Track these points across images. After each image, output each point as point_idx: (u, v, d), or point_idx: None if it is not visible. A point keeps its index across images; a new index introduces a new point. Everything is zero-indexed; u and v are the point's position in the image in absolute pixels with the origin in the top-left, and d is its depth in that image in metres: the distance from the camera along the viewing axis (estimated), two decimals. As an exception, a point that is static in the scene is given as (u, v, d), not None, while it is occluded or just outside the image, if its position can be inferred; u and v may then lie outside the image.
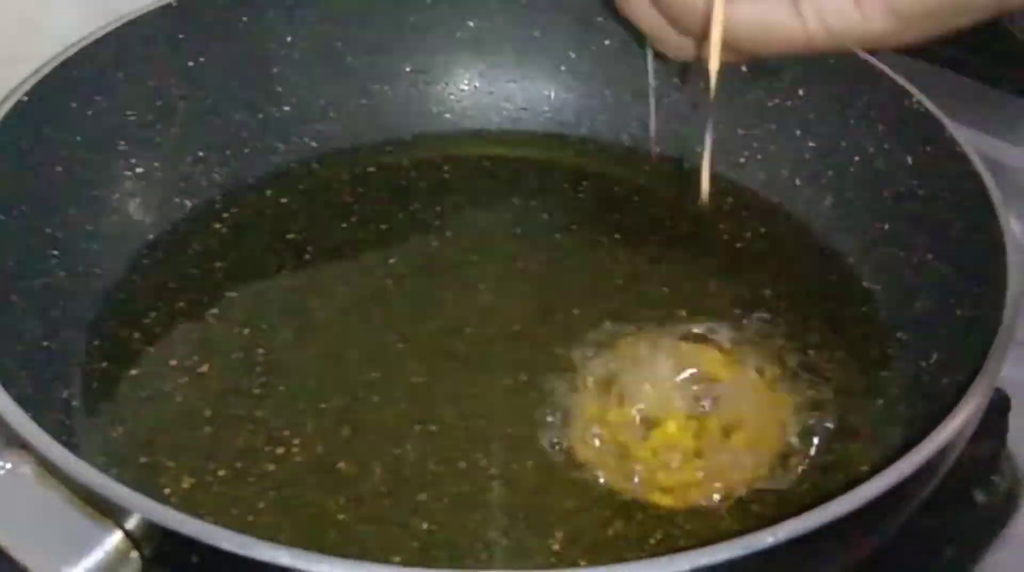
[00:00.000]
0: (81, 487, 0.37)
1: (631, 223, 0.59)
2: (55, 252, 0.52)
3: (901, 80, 0.55)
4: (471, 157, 0.63)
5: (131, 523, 0.36)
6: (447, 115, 0.65)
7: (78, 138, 0.54)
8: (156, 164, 0.58)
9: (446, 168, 0.62)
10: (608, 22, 0.62)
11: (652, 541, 0.44)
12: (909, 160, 0.54)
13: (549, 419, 0.48)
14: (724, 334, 0.51)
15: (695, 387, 0.48)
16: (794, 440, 0.47)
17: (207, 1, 0.58)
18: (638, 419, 0.47)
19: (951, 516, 0.49)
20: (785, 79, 0.59)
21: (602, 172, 0.63)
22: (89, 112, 0.55)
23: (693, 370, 0.49)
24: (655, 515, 0.45)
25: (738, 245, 0.58)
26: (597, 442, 0.47)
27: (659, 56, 0.45)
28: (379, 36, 0.63)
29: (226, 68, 0.60)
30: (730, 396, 0.48)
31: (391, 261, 0.56)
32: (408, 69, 0.64)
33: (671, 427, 0.47)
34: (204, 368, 0.50)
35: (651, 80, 0.56)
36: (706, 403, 0.48)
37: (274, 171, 0.61)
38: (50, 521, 0.37)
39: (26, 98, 0.51)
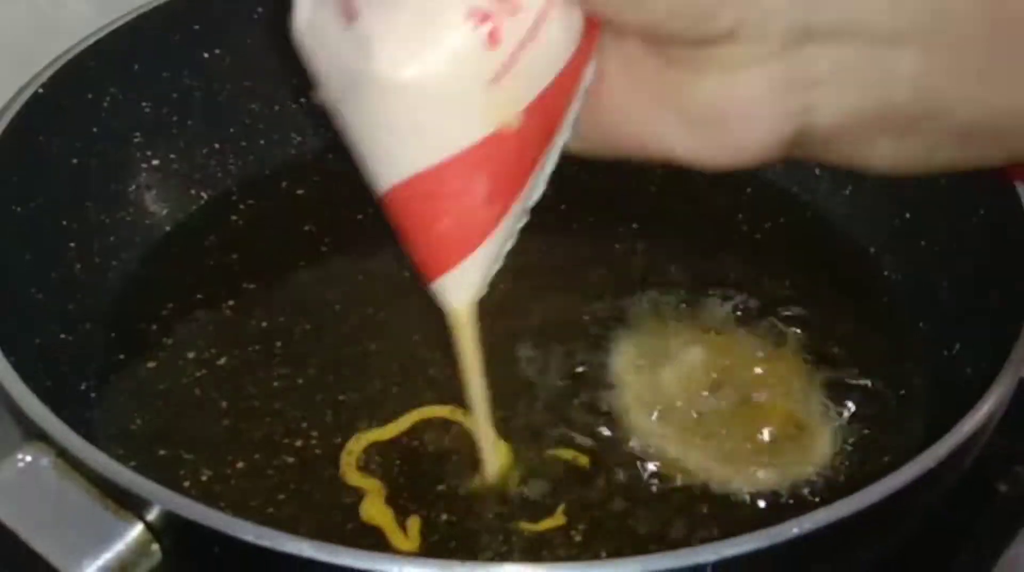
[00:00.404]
0: (102, 479, 0.37)
1: (649, 214, 0.58)
2: (72, 245, 0.52)
3: (922, 68, 0.54)
4: (487, 148, 0.63)
5: (152, 515, 0.36)
6: (463, 105, 0.64)
7: (94, 130, 0.54)
8: (172, 156, 0.58)
9: (462, 159, 0.62)
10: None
11: (673, 532, 0.44)
12: (930, 148, 0.53)
13: (569, 411, 0.48)
14: (745, 325, 0.51)
15: (715, 379, 0.48)
16: (816, 431, 0.47)
17: (222, -8, 0.58)
18: (660, 410, 0.47)
19: (974, 508, 0.48)
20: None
21: (619, 163, 0.62)
22: (104, 104, 0.55)
23: (714, 361, 0.49)
24: (677, 506, 0.44)
25: (757, 236, 0.57)
26: (618, 433, 0.47)
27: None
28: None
29: (241, 59, 0.59)
30: (751, 388, 0.48)
31: (408, 253, 0.56)
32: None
33: (693, 418, 0.47)
34: (222, 360, 0.50)
35: None
36: (726, 395, 0.48)
37: (290, 163, 0.61)
38: (71, 514, 0.37)
39: (42, 91, 0.51)
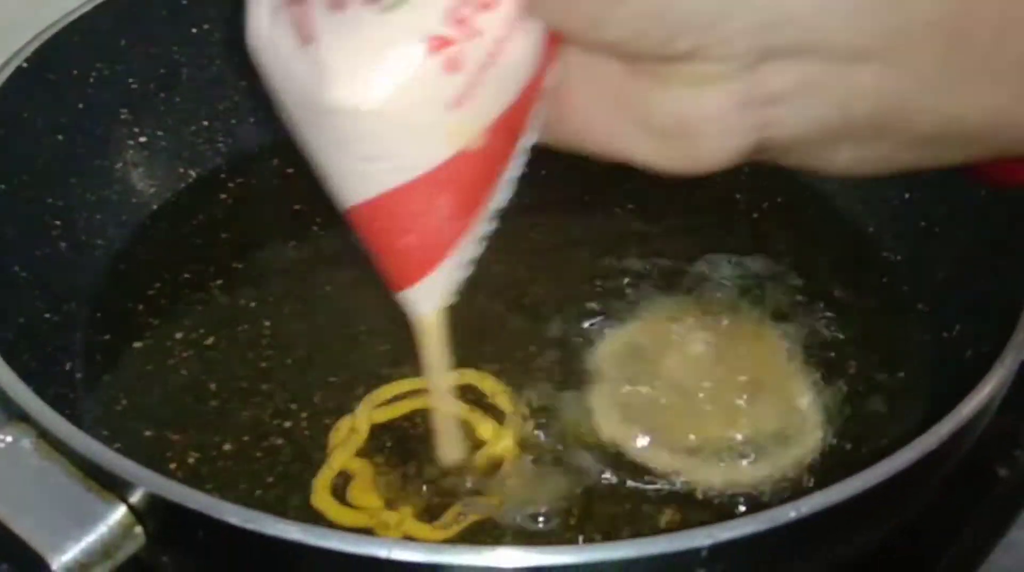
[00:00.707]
0: (84, 461, 0.36)
1: (644, 194, 0.58)
2: (57, 222, 0.51)
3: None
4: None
5: (135, 497, 0.35)
6: (456, 85, 0.63)
7: (79, 106, 0.53)
8: (159, 133, 0.57)
9: (455, 138, 0.61)
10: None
11: (664, 520, 0.43)
12: (931, 127, 0.53)
13: (563, 393, 0.47)
14: (741, 306, 0.50)
15: (711, 361, 0.47)
16: (814, 414, 0.46)
17: (210, -34, 0.57)
18: (654, 394, 0.46)
19: (974, 492, 0.48)
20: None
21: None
22: (91, 79, 0.54)
23: (710, 344, 0.48)
24: (670, 493, 0.44)
25: (755, 215, 0.57)
26: (613, 417, 0.46)
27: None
28: (387, 2, 0.62)
29: (230, 35, 0.59)
30: (748, 370, 0.47)
31: (400, 232, 0.55)
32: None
33: (688, 401, 0.46)
34: (210, 341, 0.50)
35: None
36: (723, 377, 0.47)
37: (280, 140, 0.59)
38: (52, 496, 0.36)
39: (26, 64, 0.50)
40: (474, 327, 0.49)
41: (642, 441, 0.45)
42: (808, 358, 0.48)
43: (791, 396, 0.46)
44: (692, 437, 0.45)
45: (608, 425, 0.46)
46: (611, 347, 0.48)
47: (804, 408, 0.46)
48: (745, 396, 0.46)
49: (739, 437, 0.45)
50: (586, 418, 0.46)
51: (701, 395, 0.46)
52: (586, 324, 0.49)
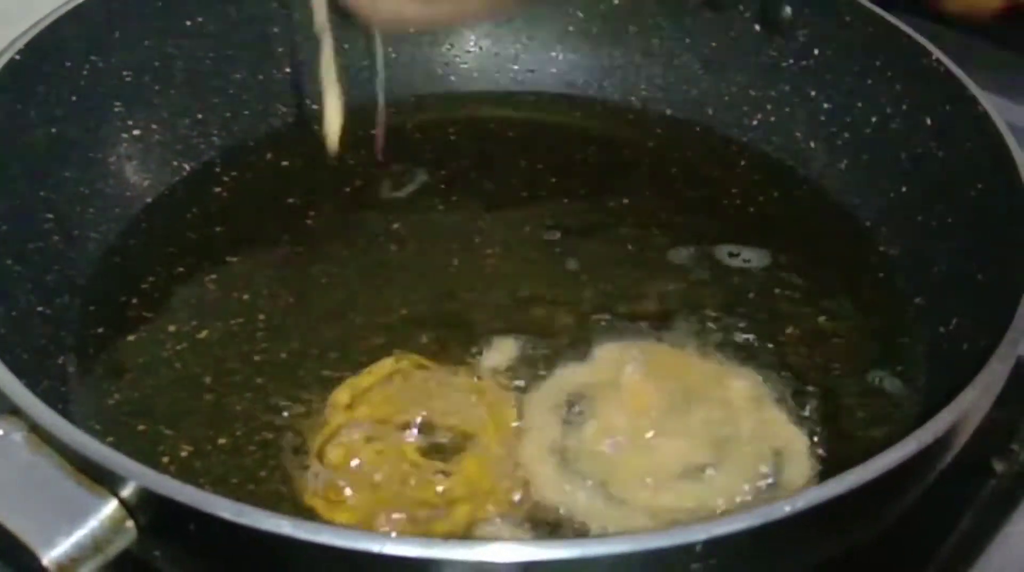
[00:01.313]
0: (75, 454, 0.36)
1: (641, 187, 0.58)
2: (50, 215, 0.51)
3: (920, 39, 0.53)
4: (476, 119, 0.62)
5: (126, 491, 0.35)
6: (452, 77, 0.63)
7: (73, 98, 0.53)
8: (153, 126, 0.57)
9: (451, 130, 0.61)
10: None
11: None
12: (928, 121, 0.53)
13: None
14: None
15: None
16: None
17: (205, -41, 0.57)
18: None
19: (969, 485, 0.48)
20: (800, 39, 0.58)
21: (611, 134, 0.61)
22: (84, 72, 0.54)
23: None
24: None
25: (751, 209, 0.56)
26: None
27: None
28: (382, -5, 0.62)
29: (225, 28, 0.58)
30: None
31: (395, 225, 0.55)
32: (412, 29, 0.63)
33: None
34: (203, 334, 0.49)
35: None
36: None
37: (275, 134, 0.60)
38: (43, 490, 0.36)
39: (19, 56, 0.50)
40: (473, 318, 0.49)
41: (578, 498, 0.42)
42: (803, 352, 0.48)
43: (760, 454, 0.44)
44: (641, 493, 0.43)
45: (542, 479, 0.43)
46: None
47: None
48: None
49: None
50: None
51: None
52: (579, 318, 0.49)
